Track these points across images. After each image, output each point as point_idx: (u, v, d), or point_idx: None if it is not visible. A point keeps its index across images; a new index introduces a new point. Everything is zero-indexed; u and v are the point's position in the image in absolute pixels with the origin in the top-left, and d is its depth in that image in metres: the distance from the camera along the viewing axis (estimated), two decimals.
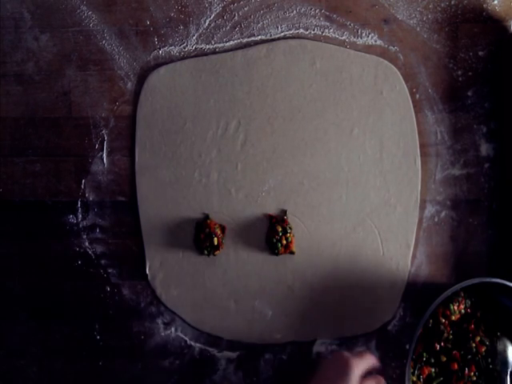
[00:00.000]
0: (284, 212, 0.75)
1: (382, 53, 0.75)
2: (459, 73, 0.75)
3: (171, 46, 0.76)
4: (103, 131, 0.77)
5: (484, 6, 0.74)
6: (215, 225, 0.75)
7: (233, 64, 0.75)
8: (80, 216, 0.78)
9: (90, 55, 0.77)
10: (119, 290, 0.78)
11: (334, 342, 0.77)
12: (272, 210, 0.76)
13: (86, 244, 0.78)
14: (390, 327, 0.76)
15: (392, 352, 0.77)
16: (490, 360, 0.69)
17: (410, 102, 0.75)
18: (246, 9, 0.75)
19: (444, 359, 0.71)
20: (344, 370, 0.59)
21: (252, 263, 0.76)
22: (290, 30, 0.75)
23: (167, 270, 0.77)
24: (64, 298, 0.79)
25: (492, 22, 0.74)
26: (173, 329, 0.78)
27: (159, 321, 0.78)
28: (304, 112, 0.75)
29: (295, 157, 0.75)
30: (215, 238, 0.74)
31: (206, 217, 0.76)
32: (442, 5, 0.74)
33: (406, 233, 0.75)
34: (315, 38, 0.75)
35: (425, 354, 0.71)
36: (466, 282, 0.68)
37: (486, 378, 0.71)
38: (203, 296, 0.77)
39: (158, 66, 0.76)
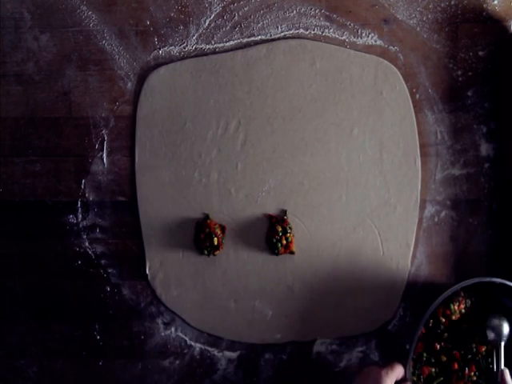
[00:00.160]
0: (284, 212, 0.75)
1: (382, 53, 0.75)
2: (459, 73, 0.75)
3: (171, 46, 0.76)
4: (103, 131, 0.77)
5: (484, 6, 0.74)
6: (215, 225, 0.75)
7: (233, 64, 0.75)
8: (80, 216, 0.78)
9: (89, 55, 0.77)
10: (119, 290, 0.78)
11: (334, 341, 0.77)
12: (272, 210, 0.76)
13: (86, 244, 0.78)
14: (390, 327, 0.76)
15: (392, 352, 0.77)
16: (488, 334, 0.70)
17: (410, 102, 0.75)
18: (245, 9, 0.75)
19: (444, 359, 0.71)
20: (377, 382, 0.62)
21: (252, 263, 0.76)
22: (290, 30, 0.75)
23: (167, 270, 0.77)
24: (64, 298, 0.79)
25: (492, 22, 0.74)
26: (173, 329, 0.78)
27: (159, 321, 0.78)
28: (304, 112, 0.75)
29: (295, 157, 0.75)
30: (215, 238, 0.74)
31: (206, 217, 0.76)
32: (442, 5, 0.74)
33: (406, 233, 0.75)
34: (315, 38, 0.75)
35: (425, 354, 0.71)
36: (466, 281, 0.68)
37: (486, 378, 0.71)
38: (203, 296, 0.77)
39: (157, 65, 0.76)
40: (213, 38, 0.76)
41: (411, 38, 0.75)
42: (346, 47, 0.75)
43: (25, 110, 0.77)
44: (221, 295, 0.76)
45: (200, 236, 0.74)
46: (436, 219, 0.76)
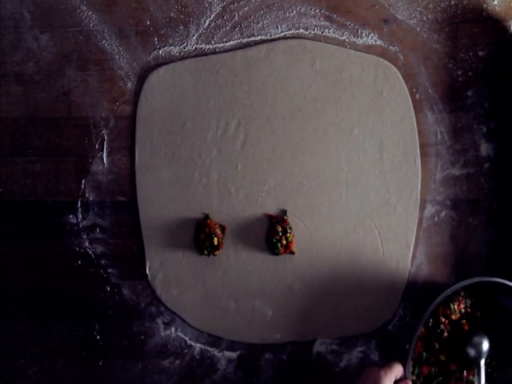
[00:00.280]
0: (284, 212, 0.75)
1: (382, 53, 0.75)
2: (459, 73, 0.75)
3: (171, 46, 0.76)
4: (103, 131, 0.77)
5: (484, 6, 0.74)
6: (215, 225, 0.75)
7: (233, 64, 0.75)
8: (80, 216, 0.78)
9: (89, 55, 0.77)
10: (119, 290, 0.78)
11: (334, 341, 0.77)
12: (272, 210, 0.76)
13: (86, 244, 0.78)
14: (390, 327, 0.76)
15: (392, 352, 0.77)
16: (468, 351, 0.70)
17: (410, 102, 0.75)
18: (245, 9, 0.75)
19: (443, 358, 0.71)
20: (376, 382, 0.64)
21: (252, 263, 0.76)
22: (290, 30, 0.75)
23: (167, 270, 0.77)
24: (64, 298, 0.79)
25: (492, 22, 0.74)
26: (173, 329, 0.78)
27: (159, 321, 0.78)
28: (304, 112, 0.75)
29: (295, 157, 0.75)
30: (215, 238, 0.74)
31: (206, 217, 0.76)
32: (442, 5, 0.74)
33: (406, 233, 0.75)
34: (315, 38, 0.75)
35: (425, 354, 0.71)
36: (466, 281, 0.68)
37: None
38: (203, 296, 0.77)
39: (158, 66, 0.76)
40: (213, 38, 0.76)
41: (411, 38, 0.75)
42: (346, 47, 0.75)
43: (25, 110, 0.77)
44: (221, 295, 0.76)
45: (200, 236, 0.74)
46: (436, 219, 0.76)
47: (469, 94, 0.75)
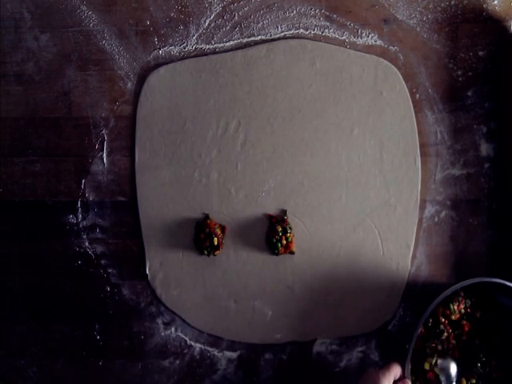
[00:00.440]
0: (284, 212, 0.75)
1: (382, 53, 0.75)
2: (459, 73, 0.75)
3: (171, 46, 0.76)
4: (103, 131, 0.77)
5: (484, 6, 0.74)
6: (215, 225, 0.75)
7: (233, 64, 0.75)
8: (80, 216, 0.78)
9: (90, 55, 0.77)
10: (119, 290, 0.78)
11: (334, 341, 0.77)
12: (272, 210, 0.76)
13: (86, 244, 0.78)
14: (390, 327, 0.76)
15: (392, 352, 0.77)
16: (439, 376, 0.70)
17: (410, 102, 0.75)
18: (245, 9, 0.75)
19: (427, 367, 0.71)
20: (375, 383, 0.64)
21: (252, 263, 0.76)
22: (290, 30, 0.75)
23: (167, 270, 0.77)
24: (64, 298, 0.79)
25: (492, 22, 0.74)
26: (173, 329, 0.78)
27: (159, 321, 0.78)
28: (304, 112, 0.75)
29: (295, 157, 0.75)
30: (215, 238, 0.74)
31: (206, 217, 0.76)
32: (442, 5, 0.74)
33: (406, 233, 0.75)
34: (315, 38, 0.75)
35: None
36: (466, 281, 0.68)
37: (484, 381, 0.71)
38: (203, 296, 0.77)
39: (158, 65, 0.76)
40: (213, 38, 0.76)
41: (411, 38, 0.75)
42: (346, 47, 0.75)
43: (25, 110, 0.77)
44: (221, 295, 0.76)
45: (200, 236, 0.74)
46: (436, 219, 0.76)
47: (469, 93, 0.75)
